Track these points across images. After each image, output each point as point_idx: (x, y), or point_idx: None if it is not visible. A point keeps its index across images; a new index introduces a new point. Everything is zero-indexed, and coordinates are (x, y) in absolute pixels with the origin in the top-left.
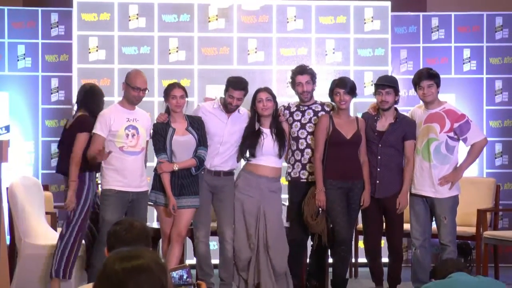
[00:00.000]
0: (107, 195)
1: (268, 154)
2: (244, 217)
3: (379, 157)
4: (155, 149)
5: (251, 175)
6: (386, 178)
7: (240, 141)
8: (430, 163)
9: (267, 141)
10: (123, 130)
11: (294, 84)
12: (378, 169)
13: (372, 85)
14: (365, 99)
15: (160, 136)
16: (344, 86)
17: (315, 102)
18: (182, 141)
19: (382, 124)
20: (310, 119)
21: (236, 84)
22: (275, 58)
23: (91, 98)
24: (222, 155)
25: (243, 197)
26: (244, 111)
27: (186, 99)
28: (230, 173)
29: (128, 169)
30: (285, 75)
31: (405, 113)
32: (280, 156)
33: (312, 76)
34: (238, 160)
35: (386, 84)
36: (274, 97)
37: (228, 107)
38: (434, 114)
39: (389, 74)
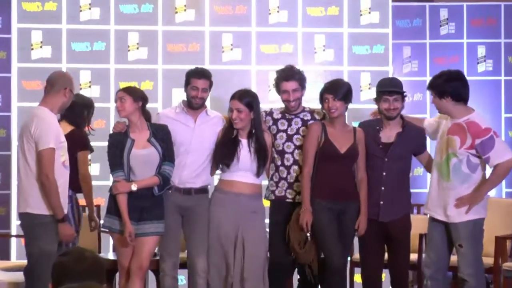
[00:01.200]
0: (43, 222)
1: (244, 169)
2: (220, 244)
3: (384, 174)
4: (110, 165)
5: (227, 193)
6: (392, 198)
7: (212, 150)
8: (448, 183)
9: (244, 154)
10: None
11: (279, 90)
12: (383, 188)
13: (369, 88)
14: (361, 105)
15: (116, 149)
16: (333, 91)
17: (303, 110)
18: (142, 156)
19: (387, 135)
20: (297, 129)
21: (198, 73)
22: (254, 57)
23: (70, 109)
24: (191, 168)
25: (218, 219)
26: (215, 114)
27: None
28: (203, 190)
29: (66, 188)
30: (267, 76)
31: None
32: (258, 175)
33: (301, 81)
34: (212, 174)
35: (394, 90)
36: (250, 104)
37: (193, 103)
38: (457, 125)
39: (390, 75)
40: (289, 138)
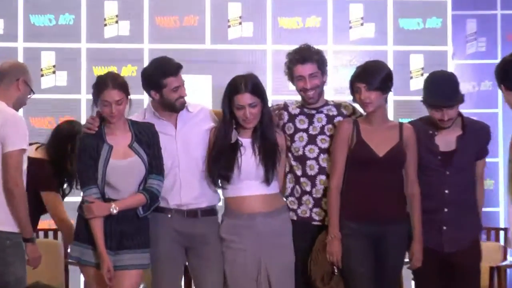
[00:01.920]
0: (16, 242)
1: (248, 178)
2: (239, 284)
3: (446, 192)
4: (81, 179)
5: (238, 216)
6: (459, 222)
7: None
8: None
9: (246, 158)
10: None
11: (292, 77)
12: (446, 209)
13: (422, 74)
14: (410, 96)
15: (90, 158)
16: (367, 78)
17: (327, 103)
18: (123, 167)
19: (446, 140)
20: (322, 128)
21: (170, 66)
22: (270, 33)
23: (51, 139)
24: (189, 186)
25: (233, 255)
26: (198, 107)
27: (129, 98)
28: (211, 211)
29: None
30: (283, 59)
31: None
32: (268, 181)
33: (321, 64)
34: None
35: (449, 104)
36: (262, 94)
37: (176, 106)
38: None
39: (450, 57)
40: (312, 140)
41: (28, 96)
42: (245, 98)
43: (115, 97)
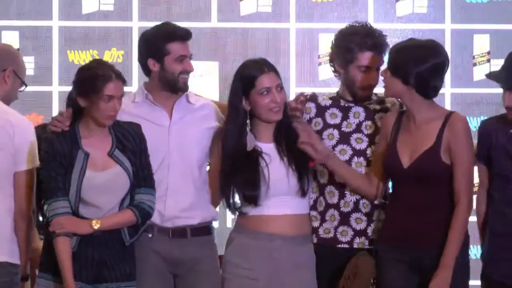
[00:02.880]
0: (20, 277)
1: (280, 194)
2: None
3: None
4: (47, 190)
5: (254, 235)
6: None
7: (205, 159)
8: None
9: (275, 168)
10: None
11: (345, 62)
12: None
13: (488, 60)
14: (474, 89)
15: (60, 166)
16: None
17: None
18: (102, 182)
19: None
20: (359, 125)
21: (177, 30)
22: (293, 8)
23: None
24: (178, 193)
25: (238, 282)
26: (202, 101)
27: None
28: (205, 230)
29: None
30: (315, 39)
31: None
32: (304, 193)
33: (383, 47)
34: (216, 204)
35: None
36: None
37: (180, 84)
38: None
39: None
40: (344, 138)
41: (20, 90)
42: (272, 79)
43: (120, 91)
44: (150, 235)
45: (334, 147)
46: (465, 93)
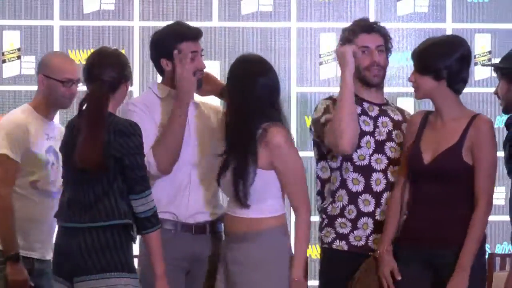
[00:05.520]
0: None
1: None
2: None
3: None
4: (147, 179)
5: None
6: None
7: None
8: None
9: None
10: (45, 154)
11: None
12: None
13: (489, 59)
14: (474, 88)
15: None
16: (414, 58)
17: (387, 102)
18: None
19: None
20: (389, 134)
21: (188, 30)
22: (295, 7)
23: None
24: (201, 189)
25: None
26: (209, 106)
27: None
28: (219, 226)
29: (39, 221)
30: (315, 38)
31: None
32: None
33: (387, 40)
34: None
35: None
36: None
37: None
38: None
39: None
40: (380, 147)
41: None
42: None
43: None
44: (172, 231)
45: (371, 155)
46: (466, 92)
